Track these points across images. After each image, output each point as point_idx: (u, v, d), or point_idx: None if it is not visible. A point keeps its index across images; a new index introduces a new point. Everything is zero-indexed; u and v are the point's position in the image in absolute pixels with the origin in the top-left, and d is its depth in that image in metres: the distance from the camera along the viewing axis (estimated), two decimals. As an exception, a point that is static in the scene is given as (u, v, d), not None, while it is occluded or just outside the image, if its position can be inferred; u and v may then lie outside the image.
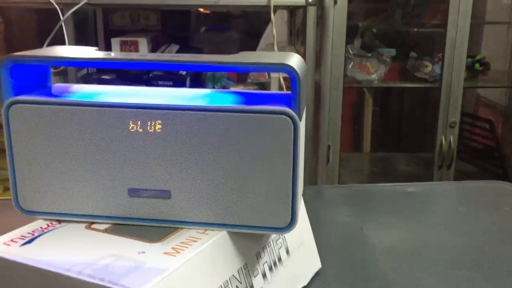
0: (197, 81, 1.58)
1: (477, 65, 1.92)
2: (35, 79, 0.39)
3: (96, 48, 0.39)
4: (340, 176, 1.76)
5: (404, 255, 0.53)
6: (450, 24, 1.69)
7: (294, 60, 0.35)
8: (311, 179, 1.65)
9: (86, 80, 1.46)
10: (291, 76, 0.33)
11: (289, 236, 0.43)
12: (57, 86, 0.40)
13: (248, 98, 0.37)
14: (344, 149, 1.83)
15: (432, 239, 0.57)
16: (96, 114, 0.35)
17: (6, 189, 1.69)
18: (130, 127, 0.35)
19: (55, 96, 0.37)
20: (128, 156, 0.36)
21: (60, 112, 0.35)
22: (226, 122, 0.34)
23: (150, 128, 0.35)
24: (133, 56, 0.35)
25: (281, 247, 0.42)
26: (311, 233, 0.47)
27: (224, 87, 1.61)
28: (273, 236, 0.41)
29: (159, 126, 0.35)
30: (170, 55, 0.35)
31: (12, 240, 0.34)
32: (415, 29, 2.05)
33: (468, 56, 1.78)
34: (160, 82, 1.41)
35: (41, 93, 0.37)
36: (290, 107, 0.33)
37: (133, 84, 1.28)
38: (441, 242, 0.56)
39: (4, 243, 0.34)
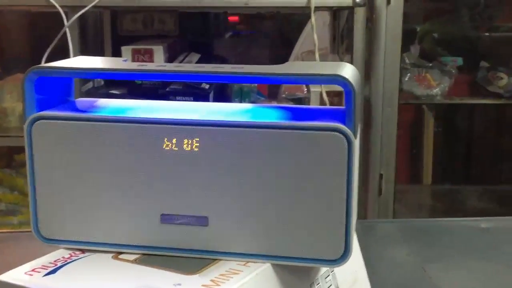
0: (221, 96, 1.63)
1: None
2: (58, 93, 0.44)
3: (125, 59, 0.44)
4: (395, 212, 1.77)
5: (475, 300, 0.55)
6: (529, 27, 1.70)
7: (348, 71, 0.38)
8: (360, 214, 1.67)
9: (93, 95, 1.52)
10: (346, 89, 0.36)
11: (341, 272, 0.46)
12: (81, 100, 0.45)
13: (296, 114, 0.40)
14: (399, 179, 1.84)
15: (508, 283, 0.59)
16: (127, 131, 0.39)
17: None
18: (164, 145, 0.39)
19: (82, 111, 0.41)
20: (161, 178, 0.39)
21: (88, 129, 0.39)
22: (272, 140, 0.37)
23: (187, 147, 0.39)
24: (185, 67, 0.39)
25: (330, 285, 0.45)
26: (365, 270, 0.50)
27: (253, 103, 1.65)
28: (323, 271, 0.44)
29: (197, 145, 0.38)
30: (211, 66, 0.39)
31: (34, 270, 0.38)
32: (487, 34, 2.06)
33: (553, 66, 1.78)
34: (178, 98, 1.46)
35: (66, 108, 0.42)
36: (344, 123, 0.37)
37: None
38: (520, 286, 0.58)
39: (26, 273, 0.38)
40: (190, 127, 0.38)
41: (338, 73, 0.37)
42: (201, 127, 0.38)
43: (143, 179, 0.39)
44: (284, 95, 1.72)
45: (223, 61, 1.89)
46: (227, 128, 0.38)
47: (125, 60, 0.44)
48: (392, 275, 0.60)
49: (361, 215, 1.72)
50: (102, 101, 0.44)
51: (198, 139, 0.38)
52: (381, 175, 1.68)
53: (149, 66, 0.40)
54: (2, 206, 1.74)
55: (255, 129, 0.38)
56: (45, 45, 1.46)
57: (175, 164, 0.39)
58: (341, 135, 0.37)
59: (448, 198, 2.16)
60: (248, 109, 0.42)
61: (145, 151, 0.39)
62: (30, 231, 0.43)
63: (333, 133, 0.37)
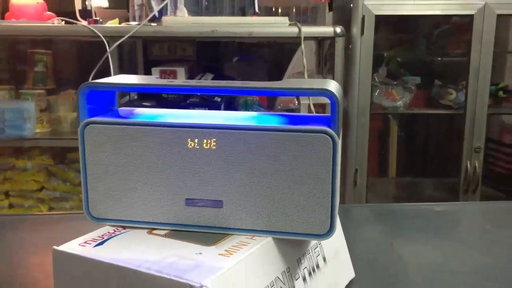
0: (230, 107, 1.64)
1: (500, 92, 1.92)
2: (104, 103, 0.44)
3: (157, 76, 0.44)
4: (367, 200, 1.77)
5: (433, 268, 0.55)
6: (473, 54, 1.71)
7: (333, 86, 0.38)
8: (339, 200, 1.67)
9: (129, 106, 1.52)
10: (332, 100, 0.37)
11: (326, 245, 0.46)
12: (122, 109, 0.45)
13: (292, 120, 0.40)
14: (371, 173, 1.84)
15: (460, 255, 0.59)
16: (159, 133, 0.39)
17: (51, 208, 1.76)
18: (189, 144, 0.39)
19: (123, 117, 0.41)
20: (186, 170, 0.39)
21: (128, 132, 0.40)
22: (273, 140, 0.38)
23: (206, 145, 0.39)
24: (204, 83, 0.39)
25: (318, 255, 0.45)
26: (345, 244, 0.50)
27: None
28: (312, 244, 0.44)
29: (214, 144, 0.39)
30: (224, 82, 0.39)
31: (86, 242, 0.38)
32: (439, 58, 2.07)
33: (492, 84, 1.79)
34: (196, 108, 1.47)
35: (111, 115, 0.42)
36: (329, 127, 0.37)
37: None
38: (469, 257, 0.58)
39: (80, 244, 0.38)
40: (209, 130, 0.39)
41: (326, 88, 0.37)
42: (218, 130, 0.38)
43: (172, 171, 0.40)
44: (279, 107, 1.72)
45: (231, 79, 1.89)
46: (238, 131, 0.38)
47: (157, 77, 0.44)
48: (366, 248, 0.60)
49: (340, 202, 1.72)
50: (139, 110, 0.45)
51: (215, 139, 0.39)
52: (356, 170, 1.68)
53: (176, 82, 0.41)
54: (57, 194, 1.75)
55: (260, 131, 0.38)
56: (90, 67, 1.47)
57: (197, 159, 0.39)
58: (327, 137, 0.37)
59: (409, 188, 2.16)
60: (254, 116, 0.43)
61: (173, 148, 0.39)
62: (80, 213, 0.43)
63: (322, 134, 0.37)
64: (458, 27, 2.00)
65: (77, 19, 1.59)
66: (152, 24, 1.56)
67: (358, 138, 1.67)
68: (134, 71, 1.87)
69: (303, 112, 1.57)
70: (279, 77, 1.88)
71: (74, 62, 2.03)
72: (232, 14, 1.74)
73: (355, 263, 0.50)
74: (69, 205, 1.73)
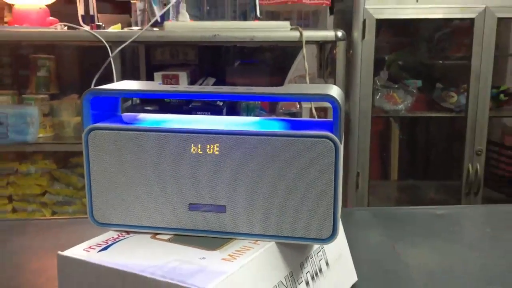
0: (232, 112, 1.64)
1: (501, 95, 1.92)
2: (108, 109, 0.44)
3: (160, 82, 0.44)
4: (369, 203, 1.77)
5: (435, 271, 0.55)
6: (474, 57, 1.71)
7: (335, 91, 0.39)
8: (341, 204, 1.67)
9: (131, 111, 1.53)
10: (333, 105, 0.37)
11: (329, 249, 0.46)
12: (126, 115, 0.45)
13: (294, 125, 0.41)
14: (372, 176, 1.84)
15: (462, 257, 0.59)
16: (162, 139, 0.40)
17: (54, 212, 1.76)
18: (192, 149, 0.39)
19: (127, 123, 0.41)
20: (189, 175, 0.40)
21: (132, 137, 0.40)
22: (276, 145, 0.38)
23: (209, 151, 0.39)
24: (207, 89, 0.39)
25: (321, 259, 0.45)
26: (348, 248, 0.50)
27: (257, 117, 1.66)
28: (315, 248, 0.44)
29: (217, 149, 0.39)
30: (227, 87, 0.39)
31: (90, 247, 0.39)
32: (440, 62, 2.07)
33: (493, 87, 1.79)
34: (199, 112, 1.47)
35: (114, 121, 0.42)
36: (332, 132, 0.37)
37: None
38: (471, 260, 0.58)
39: (84, 249, 0.38)
40: (212, 135, 0.39)
41: (328, 93, 0.37)
42: (221, 135, 0.39)
43: (175, 176, 0.40)
44: (281, 110, 1.73)
45: (233, 83, 1.90)
46: (241, 136, 0.38)
47: (160, 83, 0.44)
48: (368, 251, 0.60)
49: (342, 205, 1.72)
50: (142, 115, 0.45)
51: (218, 144, 0.39)
52: (358, 173, 1.68)
53: (179, 88, 0.41)
54: (60, 198, 1.75)
55: (262, 137, 0.38)
56: (93, 72, 1.47)
57: (200, 164, 0.39)
58: (330, 141, 0.37)
59: (411, 191, 2.16)
60: (256, 121, 0.43)
61: (176, 154, 0.39)
62: (84, 218, 0.43)
63: (324, 139, 0.37)
64: (459, 31, 2.01)
65: (79, 24, 1.59)
66: (154, 29, 1.56)
67: (360, 141, 1.67)
68: (136, 76, 1.88)
69: (305, 116, 1.57)
70: (281, 81, 1.88)
71: (76, 67, 2.03)
72: (234, 18, 1.74)
73: (357, 267, 0.50)
74: (72, 209, 1.74)
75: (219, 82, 1.76)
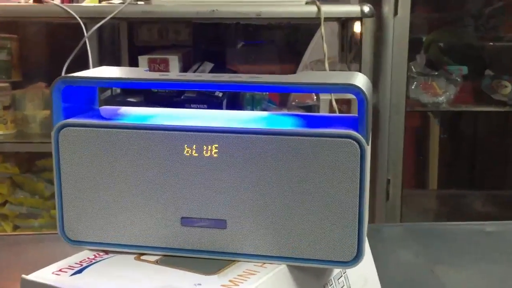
0: (234, 104, 1.64)
1: None
2: (83, 101, 0.44)
3: (147, 69, 0.44)
4: (402, 217, 1.77)
5: (482, 302, 0.55)
6: (533, 37, 1.70)
7: (360, 80, 0.39)
8: (368, 218, 1.67)
9: (111, 102, 1.54)
10: (359, 98, 0.37)
11: (352, 274, 0.46)
12: (105, 108, 0.45)
13: (310, 121, 0.41)
14: (406, 185, 1.84)
15: (515, 285, 0.59)
16: (149, 138, 0.40)
17: (16, 227, 1.77)
18: (185, 151, 0.39)
19: (106, 119, 0.42)
20: (182, 183, 0.40)
21: (112, 136, 0.40)
22: (287, 146, 0.38)
23: (206, 153, 0.39)
24: (205, 77, 0.39)
25: (343, 286, 0.45)
26: (376, 272, 0.50)
27: (265, 111, 1.66)
28: (335, 273, 0.44)
29: (216, 151, 0.39)
30: (228, 75, 0.39)
31: (61, 270, 0.39)
32: (491, 43, 2.06)
33: (556, 74, 1.78)
34: (193, 105, 1.47)
35: (91, 115, 0.43)
36: (356, 130, 0.37)
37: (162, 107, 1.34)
38: (526, 288, 0.58)
39: (53, 273, 0.38)
40: (209, 133, 0.39)
41: (352, 82, 0.37)
42: (220, 134, 0.39)
43: (164, 184, 0.40)
44: (294, 103, 1.72)
45: (235, 70, 1.90)
46: (245, 135, 0.38)
47: (146, 70, 0.44)
48: (401, 275, 0.60)
49: (370, 219, 1.71)
50: (125, 109, 0.45)
51: (217, 145, 0.39)
52: (388, 180, 1.68)
53: (170, 76, 0.41)
54: (24, 210, 1.76)
55: (271, 136, 0.38)
56: (64, 54, 1.48)
57: (195, 169, 0.39)
58: (354, 142, 0.37)
59: (453, 202, 2.15)
60: (264, 117, 0.43)
61: (166, 156, 0.40)
62: (53, 234, 0.43)
63: (347, 140, 0.37)
64: (514, 5, 2.00)
65: (48, -3, 1.60)
66: (139, 2, 1.57)
67: (390, 141, 1.67)
68: (117, 61, 1.88)
69: (323, 110, 1.57)
70: (294, 67, 1.88)
71: (44, 49, 2.04)
72: (236, -10, 1.74)
73: (387, 296, 0.51)
74: (38, 223, 1.74)
75: (218, 68, 1.77)
